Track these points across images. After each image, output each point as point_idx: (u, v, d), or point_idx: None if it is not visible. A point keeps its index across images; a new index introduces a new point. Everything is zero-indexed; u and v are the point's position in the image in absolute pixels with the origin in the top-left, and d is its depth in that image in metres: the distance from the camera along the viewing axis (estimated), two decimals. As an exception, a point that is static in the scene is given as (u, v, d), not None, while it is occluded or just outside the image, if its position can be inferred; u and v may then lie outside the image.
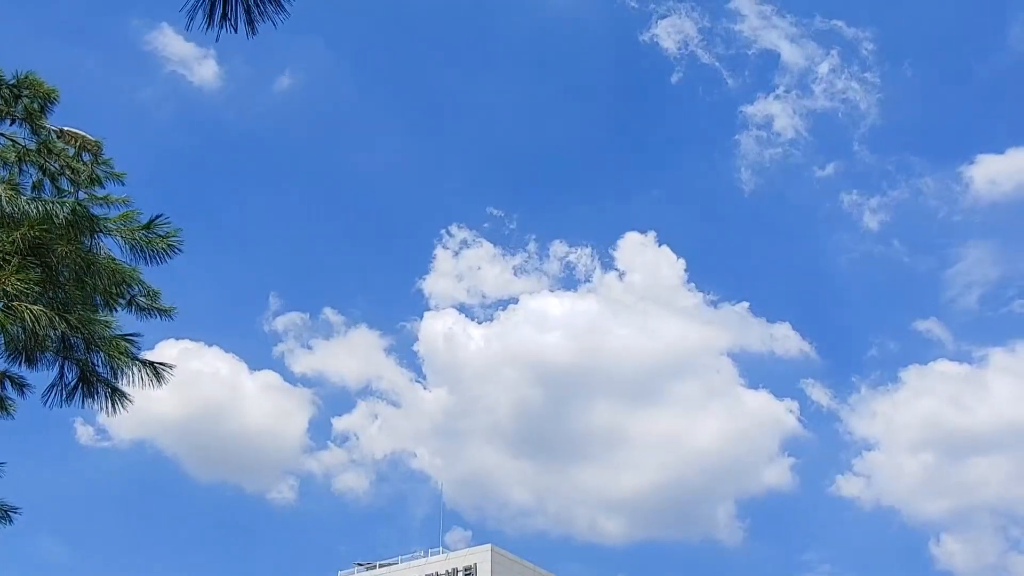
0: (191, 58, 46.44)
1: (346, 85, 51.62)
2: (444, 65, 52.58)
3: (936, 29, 51.59)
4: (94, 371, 12.84)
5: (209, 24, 6.39)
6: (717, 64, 47.11)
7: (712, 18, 47.29)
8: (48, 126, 16.44)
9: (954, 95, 51.15)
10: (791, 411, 42.66)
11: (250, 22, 6.41)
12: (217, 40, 6.39)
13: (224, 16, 6.38)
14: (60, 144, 16.37)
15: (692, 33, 45.86)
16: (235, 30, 6.41)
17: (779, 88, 47.05)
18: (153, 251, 12.90)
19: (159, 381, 13.03)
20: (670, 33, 46.28)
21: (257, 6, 6.28)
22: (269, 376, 43.63)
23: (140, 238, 12.79)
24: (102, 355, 12.70)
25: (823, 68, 45.12)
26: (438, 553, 70.98)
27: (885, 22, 49.02)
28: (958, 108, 50.88)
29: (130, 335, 12.98)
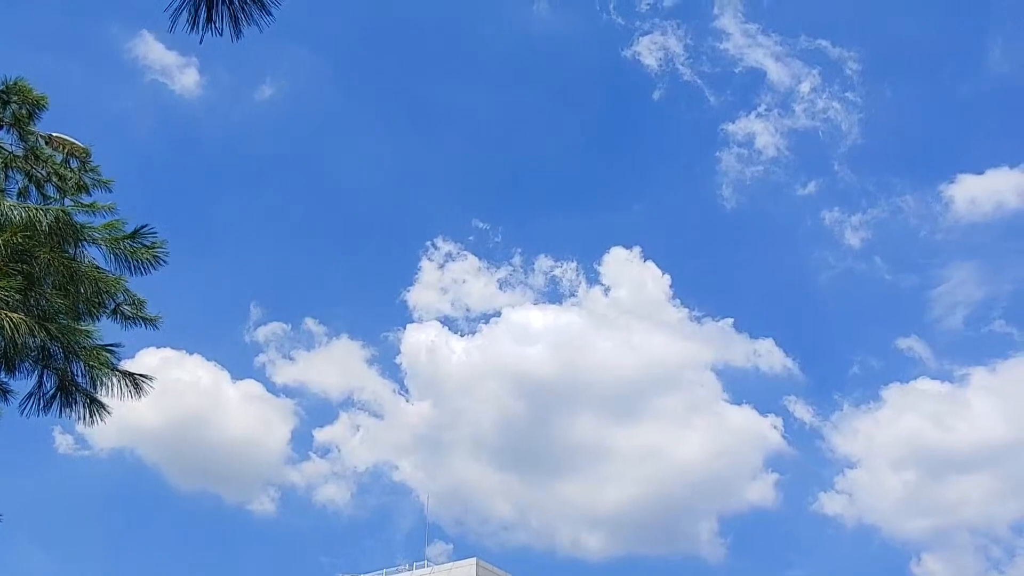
0: (172, 66, 46.38)
1: (330, 95, 51.79)
2: (429, 77, 52.78)
3: (918, 49, 52.11)
4: (73, 381, 12.60)
5: (193, 27, 6.25)
6: (699, 82, 47.52)
7: (697, 36, 47.77)
8: (36, 132, 16.28)
9: (934, 115, 51.74)
10: (775, 427, 42.91)
11: (235, 25, 6.27)
12: (201, 42, 6.25)
13: (209, 19, 6.23)
14: (48, 151, 16.20)
15: (678, 51, 46.15)
16: (220, 33, 6.27)
17: (761, 106, 47.51)
18: (138, 261, 12.71)
19: (138, 392, 12.79)
20: (651, 50, 46.60)
21: (242, 9, 6.14)
22: (251, 386, 43.66)
23: (125, 248, 12.60)
24: (82, 364, 12.47)
25: (805, 87, 45.62)
26: (423, 566, 70.49)
27: (870, 42, 49.60)
28: (938, 128, 51.43)
29: (111, 345, 12.77)
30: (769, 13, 51.06)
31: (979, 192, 47.55)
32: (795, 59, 50.38)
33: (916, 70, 54.86)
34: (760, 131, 49.51)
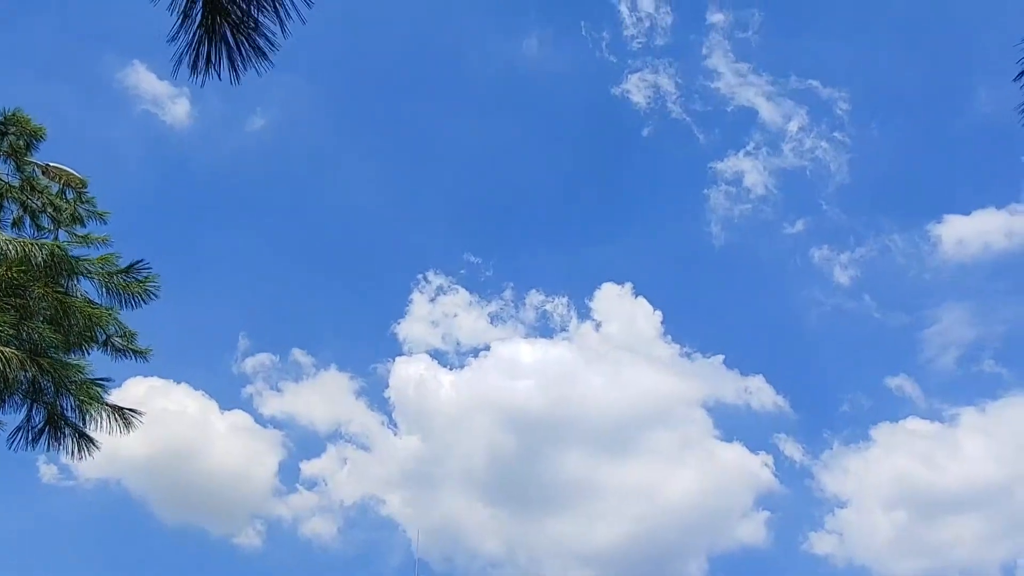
0: (164, 96, 46.22)
1: (321, 126, 51.84)
2: (421, 110, 52.94)
3: (906, 91, 52.57)
4: (62, 415, 12.52)
5: (193, 71, 6.31)
6: (688, 119, 47.69)
7: (688, 75, 47.99)
8: (33, 162, 16.29)
9: (921, 155, 52.04)
10: (766, 465, 42.74)
11: (234, 70, 6.32)
12: (202, 87, 6.30)
13: (208, 64, 6.28)
14: (44, 181, 16.20)
15: (670, 89, 46.37)
16: (219, 78, 6.33)
17: (749, 145, 47.67)
18: (129, 295, 12.68)
19: (127, 428, 12.71)
20: (640, 88, 46.79)
21: (240, 55, 6.18)
22: (239, 417, 43.32)
23: (118, 282, 12.57)
24: (72, 399, 12.40)
25: (793, 126, 45.76)
26: (411, 606, 69.78)
27: (859, 82, 50.01)
28: (925, 168, 51.68)
29: (101, 379, 12.69)
30: (759, 53, 51.27)
31: (966, 232, 47.57)
32: (786, 99, 50.41)
33: (904, 111, 55.11)
34: (749, 169, 49.58)
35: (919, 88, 53.81)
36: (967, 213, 49.07)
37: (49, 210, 15.17)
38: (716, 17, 49.86)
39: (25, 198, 15.33)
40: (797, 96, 50.15)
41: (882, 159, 53.14)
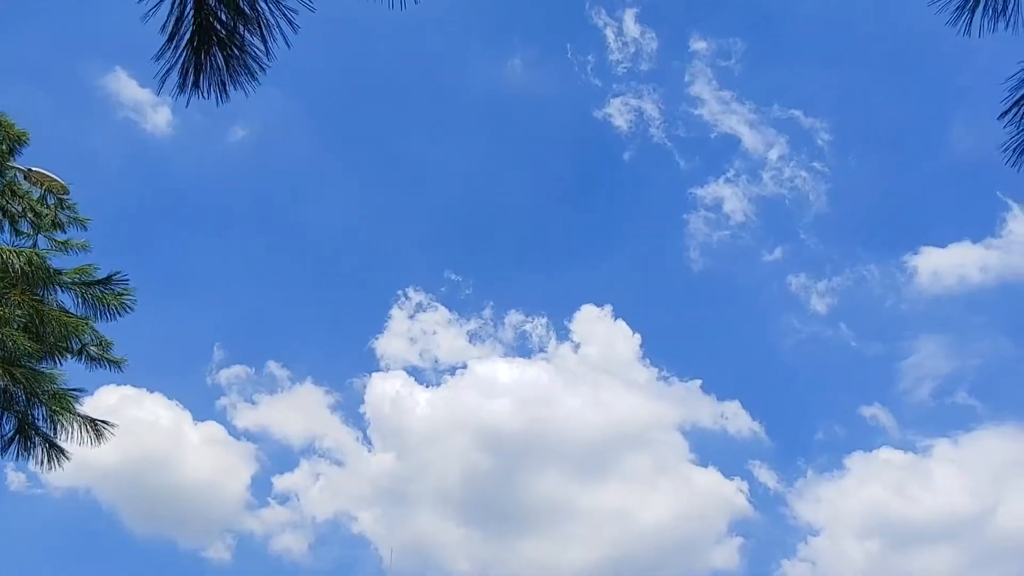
0: (145, 104, 45.90)
1: (304, 140, 51.56)
2: (403, 128, 52.82)
3: (886, 123, 53.14)
4: (33, 424, 12.37)
5: (180, 91, 6.29)
6: (669, 144, 47.95)
7: (671, 101, 48.25)
8: (15, 167, 16.17)
9: (898, 188, 52.56)
10: (741, 491, 42.59)
11: (222, 91, 6.31)
12: (187, 106, 6.28)
13: (196, 84, 6.27)
14: (25, 186, 16.08)
15: (654, 114, 46.62)
16: (205, 97, 6.32)
17: (730, 172, 47.91)
18: (104, 306, 12.57)
19: (99, 439, 12.57)
20: (622, 112, 47.00)
21: (228, 76, 6.17)
22: (213, 428, 42.74)
23: (94, 293, 12.46)
24: (43, 408, 12.26)
25: (773, 155, 46.06)
26: (380, 624, 69.30)
27: (840, 113, 50.49)
28: (902, 200, 52.11)
29: (74, 390, 12.56)
30: (742, 81, 51.59)
31: (942, 265, 47.89)
32: (768, 127, 50.76)
33: (883, 143, 55.60)
34: (728, 196, 49.77)
35: (899, 121, 54.35)
36: (943, 246, 49.53)
37: (29, 215, 15.04)
38: (699, 44, 50.21)
39: (5, 202, 15.21)
40: (779, 125, 50.51)
41: (860, 190, 53.58)
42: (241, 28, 6.03)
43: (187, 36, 6.11)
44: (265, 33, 6.08)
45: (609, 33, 51.08)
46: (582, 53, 52.34)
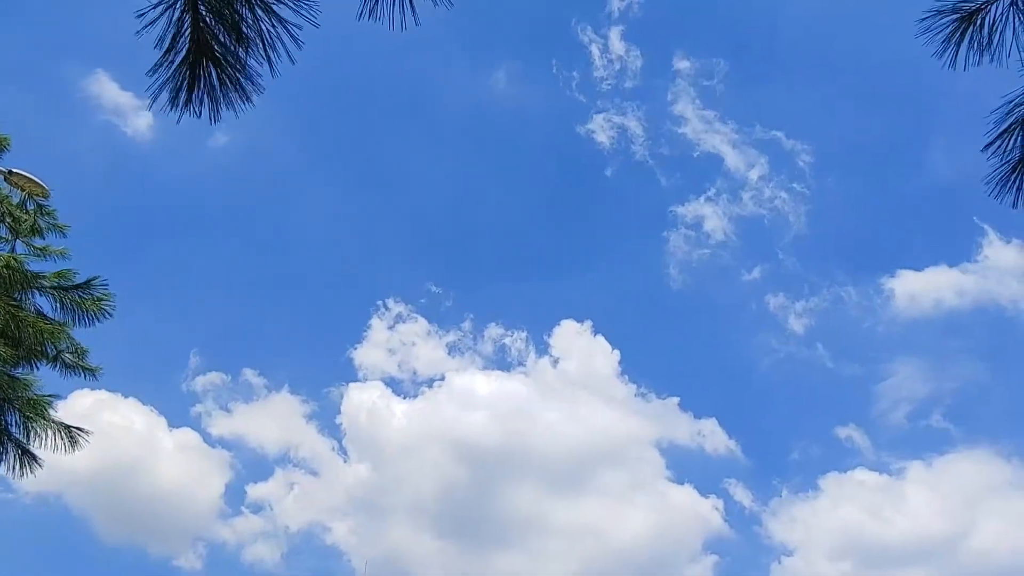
0: (126, 107, 45.60)
1: (286, 150, 51.34)
2: (386, 138, 52.71)
3: (867, 146, 53.79)
4: (6, 430, 12.27)
5: (172, 107, 6.32)
6: (651, 162, 48.20)
7: (655, 119, 48.54)
8: (-4, 169, 16.07)
9: (876, 210, 53.16)
10: (716, 509, 42.62)
11: (215, 109, 6.34)
12: (178, 123, 6.32)
13: (188, 101, 6.30)
14: (5, 189, 15.98)
15: (638, 132, 46.91)
16: (198, 115, 6.35)
17: (711, 191, 48.22)
18: (83, 311, 12.52)
19: (73, 446, 12.49)
20: (604, 128, 47.24)
21: (223, 96, 6.20)
22: (187, 435, 42.24)
23: (74, 299, 12.40)
24: (17, 415, 12.16)
25: (753, 175, 46.43)
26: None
27: (821, 136, 51.09)
28: (880, 223, 52.69)
29: (48, 396, 12.48)
30: (724, 101, 52.09)
31: (919, 288, 48.37)
32: (749, 147, 51.20)
33: (863, 166, 56.22)
34: (709, 215, 50.10)
35: (879, 145, 54.96)
36: (920, 269, 50.05)
37: (8, 220, 14.95)
38: (683, 64, 50.61)
39: (-15, 205, 15.13)
40: (760, 145, 50.92)
41: (839, 212, 54.10)
42: (241, 49, 6.06)
43: (183, 54, 6.13)
44: (262, 54, 6.11)
45: (594, 50, 51.42)
46: (567, 69, 52.65)
